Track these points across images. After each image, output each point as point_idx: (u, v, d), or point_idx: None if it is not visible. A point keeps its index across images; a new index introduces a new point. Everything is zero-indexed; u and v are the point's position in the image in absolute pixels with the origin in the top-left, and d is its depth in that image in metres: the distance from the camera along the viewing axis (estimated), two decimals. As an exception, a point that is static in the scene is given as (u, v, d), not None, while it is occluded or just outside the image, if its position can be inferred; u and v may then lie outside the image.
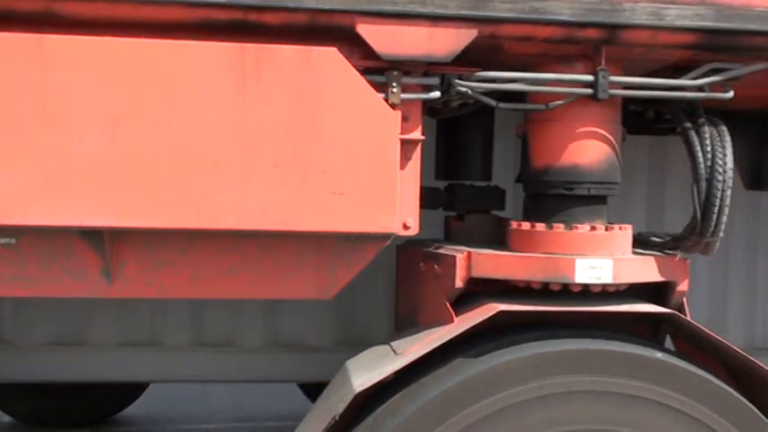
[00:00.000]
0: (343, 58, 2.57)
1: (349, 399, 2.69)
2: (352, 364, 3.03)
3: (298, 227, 2.59)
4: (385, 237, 2.74)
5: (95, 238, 2.70)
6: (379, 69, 2.66)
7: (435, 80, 2.70)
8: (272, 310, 4.01)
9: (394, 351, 2.92)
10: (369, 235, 2.70)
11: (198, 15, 2.55)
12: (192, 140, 2.54)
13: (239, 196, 2.55)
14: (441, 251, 2.98)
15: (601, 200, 2.92)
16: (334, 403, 2.80)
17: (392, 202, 2.62)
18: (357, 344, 3.59)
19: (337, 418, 2.71)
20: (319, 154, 2.57)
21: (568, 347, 2.76)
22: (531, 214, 2.99)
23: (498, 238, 3.41)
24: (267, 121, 2.55)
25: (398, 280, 3.47)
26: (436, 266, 2.95)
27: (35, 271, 2.73)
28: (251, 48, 2.54)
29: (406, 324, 3.29)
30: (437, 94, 2.70)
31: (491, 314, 2.71)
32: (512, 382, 2.71)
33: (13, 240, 2.71)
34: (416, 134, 2.73)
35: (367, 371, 2.84)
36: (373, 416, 2.79)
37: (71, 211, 2.52)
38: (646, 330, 3.19)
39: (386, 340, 3.15)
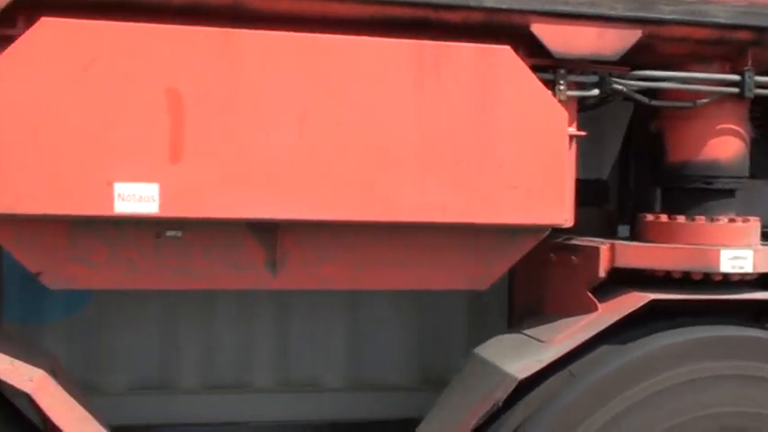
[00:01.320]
0: (517, 57, 2.65)
1: (512, 385, 2.78)
2: (487, 352, 3.12)
3: (475, 219, 2.67)
4: (544, 229, 2.83)
5: (262, 231, 2.73)
6: (543, 67, 2.75)
7: (594, 78, 2.81)
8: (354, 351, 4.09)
9: (536, 339, 3.01)
10: (530, 227, 2.79)
11: (383, 12, 2.60)
12: (373, 135, 2.58)
13: (419, 190, 2.62)
14: (578, 243, 3.09)
15: (731, 193, 3.07)
16: (486, 389, 2.88)
17: (561, 195, 2.72)
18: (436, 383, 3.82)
19: (500, 404, 2.80)
20: (495, 149, 2.65)
21: (716, 334, 2.91)
22: (664, 207, 3.12)
23: (604, 229, 3.55)
24: (445, 117, 2.62)
25: (517, 271, 3.57)
26: (573, 257, 3.06)
27: (201, 264, 2.74)
28: (430, 45, 2.60)
29: (525, 313, 3.39)
30: (596, 91, 2.81)
31: (644, 303, 2.84)
32: (665, 367, 2.85)
33: (179, 234, 2.71)
34: (574, 129, 2.83)
35: (516, 358, 2.93)
36: (524, 401, 2.89)
37: (257, 204, 2.54)
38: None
39: (514, 329, 3.25)
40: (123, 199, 2.46)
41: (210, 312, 3.97)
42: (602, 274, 2.95)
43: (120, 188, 2.46)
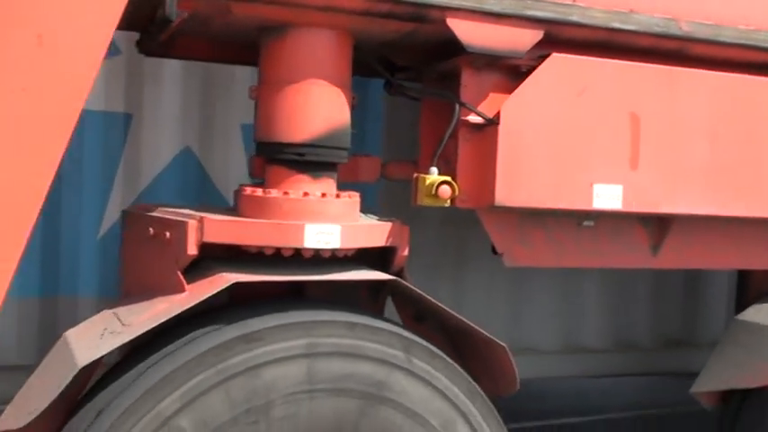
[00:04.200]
0: None
1: None
2: (758, 318, 3.99)
3: None
4: None
5: (649, 221, 3.48)
6: None
7: None
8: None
9: None
10: None
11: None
12: (759, 150, 3.37)
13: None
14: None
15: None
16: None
17: None
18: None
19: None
20: None
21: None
22: None
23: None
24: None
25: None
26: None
27: (606, 246, 3.46)
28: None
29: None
30: None
31: None
32: None
33: (592, 223, 3.42)
34: None
35: None
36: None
37: (684, 201, 3.27)
38: None
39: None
40: (599, 197, 3.16)
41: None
42: None
43: (597, 189, 3.15)
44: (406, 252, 3.14)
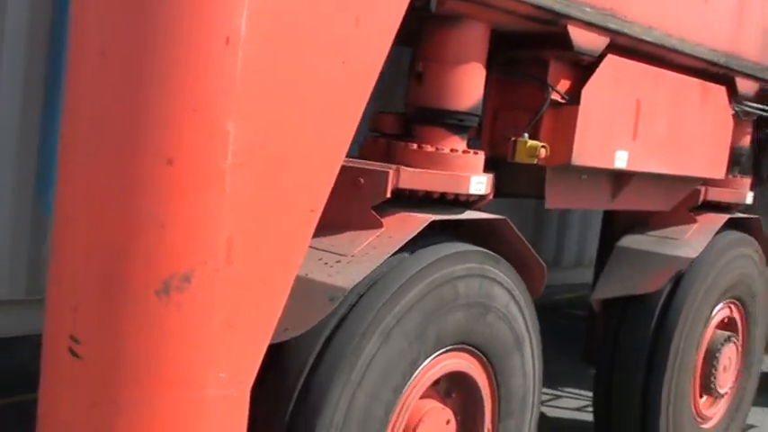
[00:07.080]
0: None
1: (688, 261, 5.35)
2: (634, 244, 5.60)
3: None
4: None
5: (611, 175, 4.81)
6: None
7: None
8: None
9: (670, 237, 5.59)
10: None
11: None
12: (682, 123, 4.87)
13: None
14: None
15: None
16: (662, 264, 5.40)
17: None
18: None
19: (683, 272, 5.35)
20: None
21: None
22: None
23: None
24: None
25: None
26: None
27: (587, 193, 4.72)
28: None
29: (628, 225, 5.89)
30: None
31: None
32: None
33: (586, 176, 4.66)
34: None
35: (671, 248, 5.47)
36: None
37: (652, 163, 4.65)
38: None
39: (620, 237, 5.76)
40: (618, 159, 4.40)
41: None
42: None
43: (618, 154, 4.39)
44: (491, 197, 4.09)
